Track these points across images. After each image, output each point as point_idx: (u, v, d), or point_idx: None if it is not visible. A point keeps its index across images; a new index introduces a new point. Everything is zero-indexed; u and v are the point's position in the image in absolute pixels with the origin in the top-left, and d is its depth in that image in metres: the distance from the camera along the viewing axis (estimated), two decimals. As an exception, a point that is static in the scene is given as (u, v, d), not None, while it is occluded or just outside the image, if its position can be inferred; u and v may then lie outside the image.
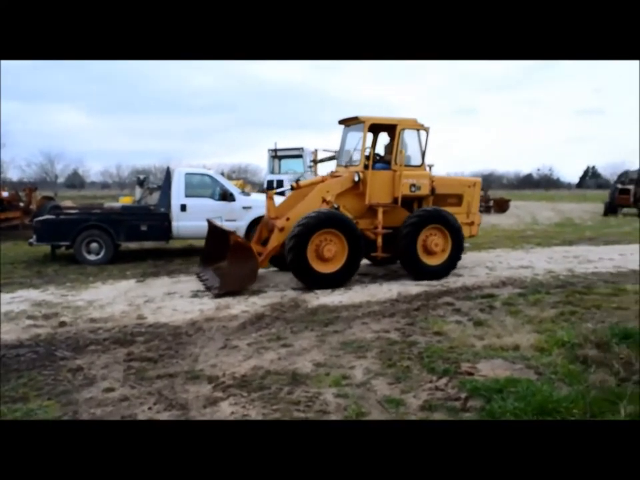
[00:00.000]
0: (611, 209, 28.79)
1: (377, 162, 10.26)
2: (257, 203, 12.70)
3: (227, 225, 12.29)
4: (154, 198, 13.06)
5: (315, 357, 5.57)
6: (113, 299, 8.35)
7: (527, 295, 8.42)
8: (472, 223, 10.96)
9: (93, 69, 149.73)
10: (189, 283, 9.56)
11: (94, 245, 11.74)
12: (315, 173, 28.12)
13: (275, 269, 10.68)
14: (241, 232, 12.44)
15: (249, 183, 42.23)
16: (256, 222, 12.39)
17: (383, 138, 10.88)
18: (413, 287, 9.08)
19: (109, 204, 13.47)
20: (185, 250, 13.95)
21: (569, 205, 41.99)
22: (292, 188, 10.30)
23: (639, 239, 16.36)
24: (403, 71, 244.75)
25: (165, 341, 6.22)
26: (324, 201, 9.51)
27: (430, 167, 10.56)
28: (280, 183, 17.69)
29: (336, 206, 9.56)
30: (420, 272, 9.79)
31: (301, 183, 10.58)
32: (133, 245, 13.66)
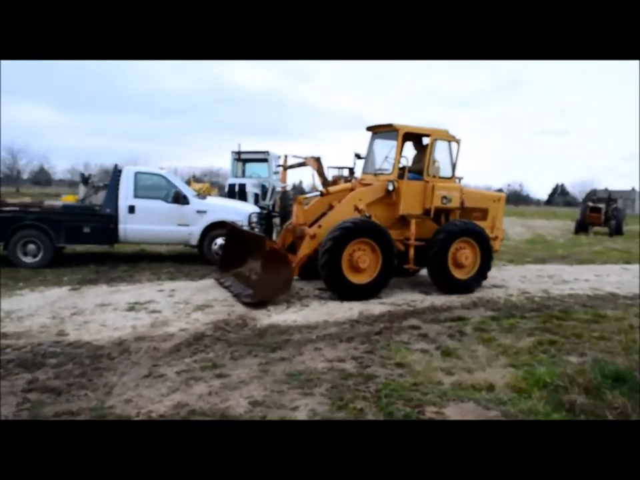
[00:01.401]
0: (582, 227, 28.53)
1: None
2: (213, 207, 11.77)
3: (182, 231, 11.41)
4: (100, 198, 11.95)
5: (253, 393, 4.65)
6: (36, 309, 7.30)
7: (500, 319, 7.65)
8: (496, 238, 10.69)
9: (63, 65, 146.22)
10: (128, 293, 8.54)
11: (31, 247, 10.59)
12: (284, 179, 27.43)
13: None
14: (195, 237, 11.51)
15: (217, 186, 41.09)
16: (212, 227, 11.48)
17: (408, 147, 10.50)
18: (376, 306, 8.23)
19: (49, 202, 12.29)
20: (134, 255, 12.87)
21: (539, 221, 41.78)
22: (321, 194, 9.91)
23: (617, 258, 15.90)
24: (373, 83, 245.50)
25: (80, 365, 5.24)
26: (356, 209, 9.22)
27: (459, 179, 10.36)
28: (242, 187, 16.70)
29: (367, 215, 9.24)
30: (449, 285, 9.59)
31: (331, 189, 10.15)
32: (80, 248, 12.58)
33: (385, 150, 10.15)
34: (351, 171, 25.89)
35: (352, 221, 8.75)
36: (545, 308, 8.63)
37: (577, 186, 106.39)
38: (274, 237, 15.61)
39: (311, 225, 9.28)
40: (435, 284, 9.75)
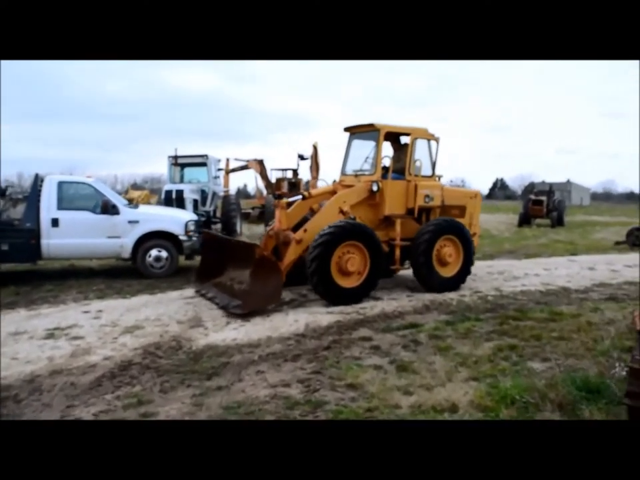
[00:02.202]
0: (525, 220, 28.88)
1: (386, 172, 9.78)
2: (146, 216, 10.93)
3: (112, 243, 10.54)
4: (19, 211, 10.92)
5: (183, 434, 4.00)
6: (-62, 343, 6.38)
7: (455, 323, 7.21)
8: (474, 234, 10.59)
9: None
10: (48, 317, 7.64)
11: (-59, 269, 9.56)
12: (226, 184, 26.63)
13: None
14: (127, 250, 10.66)
15: (158, 193, 39.71)
16: (145, 238, 10.66)
17: (386, 147, 10.20)
18: (323, 316, 7.65)
19: (-39, 217, 11.15)
20: (62, 272, 11.84)
21: (483, 215, 42.13)
22: (303, 197, 9.55)
23: (563, 250, 15.91)
24: (320, 84, 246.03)
25: (-22, 412, 4.45)
26: (341, 211, 9.05)
27: (439, 177, 10.35)
28: (180, 194, 15.81)
29: (352, 217, 9.02)
30: (435, 283, 9.52)
31: (313, 192, 9.88)
32: (5, 266, 11.48)
33: (364, 150, 10.06)
34: (295, 172, 25.45)
35: (339, 224, 8.51)
36: (499, 308, 8.27)
37: (516, 180, 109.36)
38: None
39: (294, 230, 9.00)
40: (421, 283, 9.64)
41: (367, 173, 9.77)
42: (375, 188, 9.33)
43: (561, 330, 6.86)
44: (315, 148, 22.65)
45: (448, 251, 9.60)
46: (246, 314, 7.56)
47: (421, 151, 9.94)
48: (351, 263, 8.49)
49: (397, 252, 9.53)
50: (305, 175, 25.17)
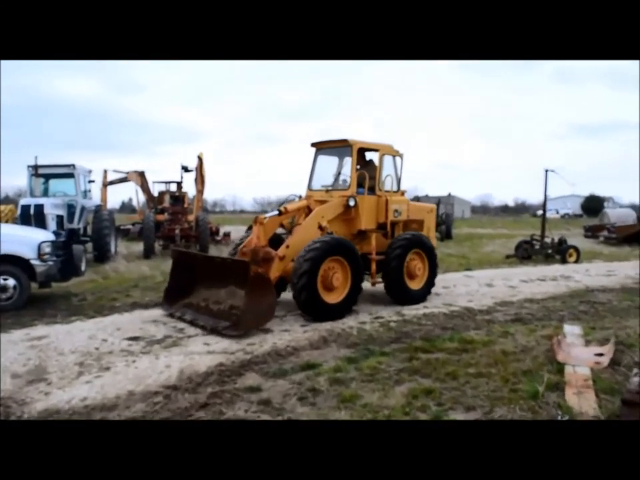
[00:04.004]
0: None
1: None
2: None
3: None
4: None
5: None
6: None
7: (358, 360, 6.17)
8: None
9: None
10: None
11: None
12: (104, 197, 24.34)
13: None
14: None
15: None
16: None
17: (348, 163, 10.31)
18: (202, 358, 6.30)
19: None
20: None
21: (373, 228, 42.41)
22: (279, 212, 9.23)
23: (457, 265, 15.58)
24: (208, 94, 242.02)
25: None
26: (319, 227, 9.03)
27: (403, 192, 10.65)
28: (39, 209, 13.73)
29: (330, 232, 9.07)
30: (405, 297, 9.79)
31: (288, 207, 9.53)
32: None
33: (330, 165, 10.37)
34: (179, 185, 23.68)
35: (324, 239, 8.54)
36: (404, 337, 7.36)
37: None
38: (83, 267, 13.02)
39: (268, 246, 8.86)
40: (392, 296, 9.85)
41: (339, 188, 9.95)
42: (352, 203, 9.40)
43: (476, 364, 6.02)
44: (200, 159, 21.16)
45: (417, 265, 9.93)
46: (240, 335, 7.23)
47: (387, 167, 10.24)
48: (336, 278, 8.50)
49: (374, 266, 9.69)
50: (190, 187, 23.49)
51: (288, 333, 7.53)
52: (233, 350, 6.65)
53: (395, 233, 10.19)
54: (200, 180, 21.46)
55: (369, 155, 10.49)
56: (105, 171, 24.26)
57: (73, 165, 15.40)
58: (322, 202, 9.61)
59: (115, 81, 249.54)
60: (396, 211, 10.06)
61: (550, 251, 18.12)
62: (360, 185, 9.81)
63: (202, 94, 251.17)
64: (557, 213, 71.03)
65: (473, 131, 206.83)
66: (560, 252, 17.73)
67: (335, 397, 5.02)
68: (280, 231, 9.91)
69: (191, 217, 20.10)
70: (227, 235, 23.91)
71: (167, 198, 23.18)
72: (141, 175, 23.93)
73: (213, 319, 7.81)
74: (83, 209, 15.68)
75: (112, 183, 24.59)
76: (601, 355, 6.31)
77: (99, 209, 16.42)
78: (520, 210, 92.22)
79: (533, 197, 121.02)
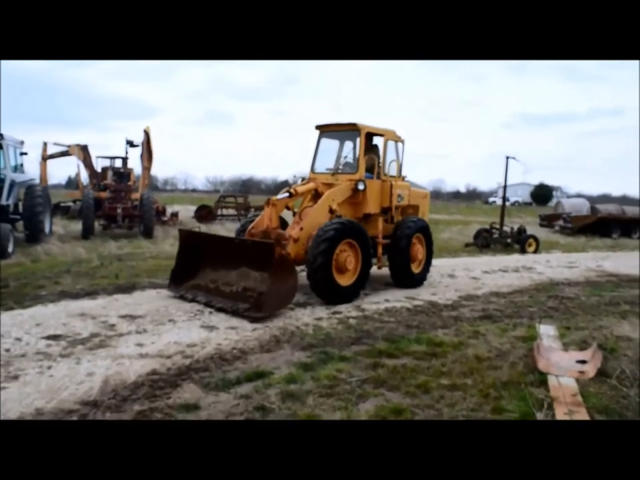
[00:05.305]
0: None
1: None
2: None
3: None
4: None
5: None
6: None
7: (315, 368, 5.37)
8: None
9: None
10: None
11: None
12: (44, 172, 22.65)
13: None
14: None
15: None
16: None
17: (349, 147, 10.51)
18: (134, 363, 5.32)
19: None
20: None
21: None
22: (290, 194, 9.11)
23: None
24: (160, 71, 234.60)
25: None
26: (330, 210, 9.02)
27: (403, 178, 10.71)
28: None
29: (339, 215, 9.06)
30: (408, 280, 10.08)
31: (298, 189, 9.38)
32: None
33: (333, 149, 10.43)
34: (124, 161, 22.20)
35: (340, 221, 8.57)
36: (365, 336, 6.58)
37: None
38: (10, 248, 11.76)
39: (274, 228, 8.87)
40: (397, 280, 10.08)
41: (346, 171, 9.93)
42: (361, 187, 9.35)
43: (449, 373, 5.30)
44: (147, 134, 19.83)
45: (418, 249, 10.19)
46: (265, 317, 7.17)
47: (390, 152, 10.25)
48: (349, 261, 8.52)
49: (380, 249, 9.80)
50: (136, 164, 22.07)
51: (235, 332, 6.62)
52: (170, 353, 5.72)
53: (394, 217, 10.24)
54: (147, 156, 20.12)
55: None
56: (45, 144, 22.57)
57: (1, 135, 13.89)
58: (329, 185, 9.58)
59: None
60: (399, 195, 10.15)
61: (509, 240, 17.76)
62: (368, 169, 9.81)
63: (154, 68, 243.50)
64: (508, 200, 71.89)
65: (428, 118, 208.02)
66: (519, 241, 17.39)
67: (288, 416, 4.19)
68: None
69: (136, 195, 18.78)
70: (174, 215, 22.59)
71: (109, 173, 21.69)
72: (84, 148, 22.37)
73: (229, 301, 7.66)
74: (12, 183, 14.17)
75: (52, 156, 22.94)
76: (583, 362, 5.71)
77: (32, 184, 14.96)
78: (472, 196, 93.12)
79: (484, 184, 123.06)
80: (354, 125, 9.68)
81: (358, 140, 9.90)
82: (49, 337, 6.11)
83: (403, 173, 10.72)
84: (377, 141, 10.36)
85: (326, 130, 10.34)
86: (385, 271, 10.11)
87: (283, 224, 9.48)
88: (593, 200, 31.42)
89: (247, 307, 7.37)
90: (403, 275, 9.99)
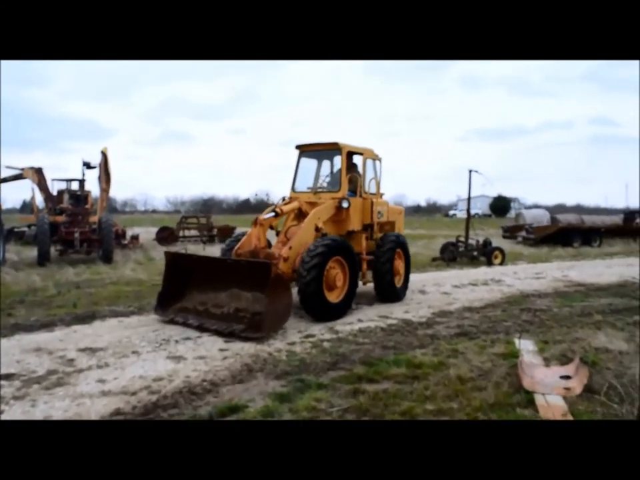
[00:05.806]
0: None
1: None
2: None
3: None
4: None
5: None
6: None
7: (292, 398, 5.05)
8: None
9: None
10: None
11: None
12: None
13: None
14: None
15: None
16: None
17: (325, 166, 10.76)
18: (95, 403, 4.89)
19: None
20: None
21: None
22: (276, 214, 9.17)
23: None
24: (113, 90, 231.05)
25: None
26: (316, 228, 9.07)
27: (381, 195, 10.86)
28: None
29: (324, 232, 9.09)
30: (392, 294, 10.25)
31: (283, 208, 9.42)
32: None
33: (312, 168, 10.59)
34: (81, 183, 21.52)
35: (330, 238, 8.66)
36: (342, 360, 6.30)
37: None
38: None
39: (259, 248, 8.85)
40: (381, 295, 10.22)
41: (327, 190, 10.13)
42: (345, 205, 9.52)
43: (433, 397, 5.05)
44: (104, 154, 19.28)
45: (399, 263, 10.47)
46: (262, 337, 7.15)
47: (369, 170, 10.49)
48: (339, 278, 8.60)
49: (364, 265, 9.87)
50: (95, 186, 21.38)
51: (204, 361, 6.24)
52: (135, 389, 5.31)
53: (375, 233, 10.37)
54: (105, 178, 19.53)
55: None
56: (-5, 165, 21.76)
57: (-52, 159, 13.22)
58: (312, 203, 9.71)
59: (13, 74, 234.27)
60: (379, 212, 10.38)
61: (475, 253, 17.77)
62: (349, 187, 9.94)
63: (109, 89, 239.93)
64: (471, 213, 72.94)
65: (384, 133, 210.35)
66: (485, 254, 17.41)
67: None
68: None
69: (94, 219, 18.16)
70: (135, 237, 21.94)
71: (65, 196, 20.96)
72: (38, 171, 21.58)
73: (222, 323, 7.55)
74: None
75: (5, 180, 22.10)
76: (567, 377, 5.55)
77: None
78: (432, 210, 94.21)
79: (444, 198, 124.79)
80: (335, 144, 9.81)
81: (337, 159, 10.19)
82: (0, 377, 5.62)
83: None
84: (356, 159, 10.56)
85: (306, 150, 10.45)
86: (361, 287, 9.87)
87: None
88: (550, 210, 31.85)
89: (242, 327, 7.30)
90: (389, 290, 10.12)
